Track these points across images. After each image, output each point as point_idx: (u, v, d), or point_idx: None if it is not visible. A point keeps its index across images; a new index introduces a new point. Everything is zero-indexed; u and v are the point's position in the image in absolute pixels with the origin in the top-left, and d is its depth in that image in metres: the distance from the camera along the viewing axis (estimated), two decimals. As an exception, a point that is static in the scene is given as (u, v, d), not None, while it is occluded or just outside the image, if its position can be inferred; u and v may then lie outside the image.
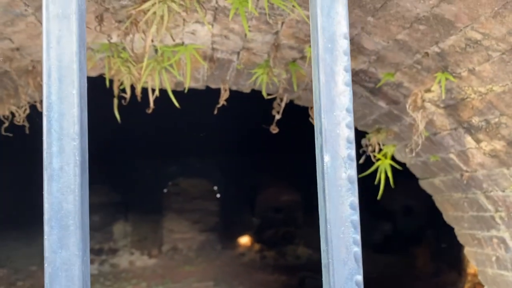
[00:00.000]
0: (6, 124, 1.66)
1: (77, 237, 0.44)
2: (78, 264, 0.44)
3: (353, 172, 0.51)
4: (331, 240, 0.50)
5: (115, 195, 12.29)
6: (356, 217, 0.50)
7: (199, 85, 2.06)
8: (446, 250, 9.89)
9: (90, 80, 1.98)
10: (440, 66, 1.41)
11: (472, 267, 8.87)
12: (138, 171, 12.19)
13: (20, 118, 1.60)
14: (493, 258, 2.05)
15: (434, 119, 1.71)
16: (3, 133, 1.66)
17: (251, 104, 10.39)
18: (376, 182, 2.21)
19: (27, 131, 1.70)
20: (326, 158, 0.50)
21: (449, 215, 2.22)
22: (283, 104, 2.00)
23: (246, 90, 2.11)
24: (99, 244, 11.83)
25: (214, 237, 12.65)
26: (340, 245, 0.50)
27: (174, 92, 1.91)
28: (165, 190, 12.75)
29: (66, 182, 0.45)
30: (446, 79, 1.43)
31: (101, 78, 1.98)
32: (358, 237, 0.50)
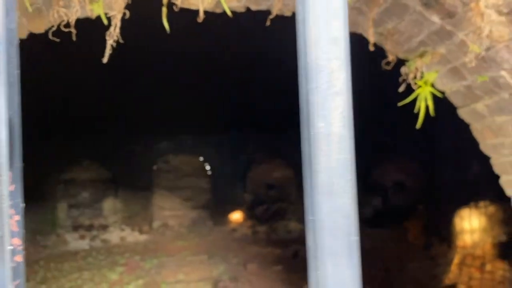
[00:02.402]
0: (54, 28, 1.59)
1: None
2: None
3: None
4: None
5: (105, 172, 12.15)
6: None
7: (240, 5, 1.99)
8: (436, 224, 10.08)
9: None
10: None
11: (462, 239, 9.07)
12: (128, 147, 12.06)
13: (71, 20, 1.53)
14: (535, 181, 2.06)
15: (492, 30, 1.70)
16: (50, 37, 1.58)
17: (244, 82, 10.26)
18: (416, 111, 2.20)
19: (74, 38, 1.63)
20: None
21: (487, 143, 2.23)
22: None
23: (288, 13, 2.06)
24: (89, 220, 11.72)
25: (206, 214, 12.64)
26: None
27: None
28: (155, 167, 12.64)
29: None
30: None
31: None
32: None
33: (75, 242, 11.08)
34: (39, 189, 11.04)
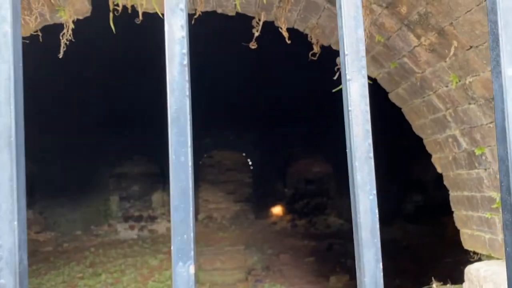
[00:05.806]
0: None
1: None
2: None
3: None
4: None
5: (153, 166, 12.90)
6: None
7: (229, 9, 2.27)
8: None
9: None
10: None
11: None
12: (174, 143, 12.68)
13: (33, 26, 1.95)
14: (450, 158, 2.24)
15: (383, 21, 1.92)
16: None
17: (283, 78, 10.48)
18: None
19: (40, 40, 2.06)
20: None
21: (416, 125, 2.41)
22: (261, 22, 2.25)
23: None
24: (139, 212, 12.52)
25: (248, 207, 13.08)
26: None
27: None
28: (200, 162, 13.23)
29: None
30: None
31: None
32: None
33: (125, 231, 11.88)
34: (93, 182, 11.99)
